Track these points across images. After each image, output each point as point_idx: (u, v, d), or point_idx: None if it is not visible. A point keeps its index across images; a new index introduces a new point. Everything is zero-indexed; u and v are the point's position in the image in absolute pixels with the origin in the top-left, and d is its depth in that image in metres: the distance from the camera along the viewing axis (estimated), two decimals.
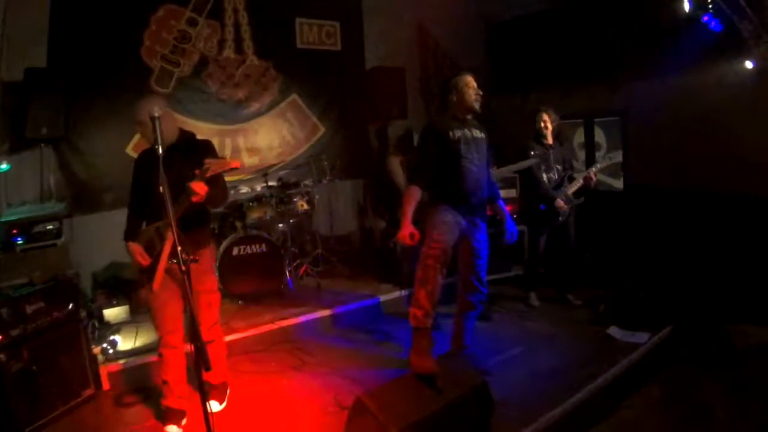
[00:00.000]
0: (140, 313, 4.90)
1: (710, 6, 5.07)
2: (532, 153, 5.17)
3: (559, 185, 5.22)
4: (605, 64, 6.52)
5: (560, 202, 5.10)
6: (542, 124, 5.25)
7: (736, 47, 5.26)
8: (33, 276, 3.91)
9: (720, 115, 5.49)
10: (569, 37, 6.93)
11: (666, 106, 5.83)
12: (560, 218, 5.16)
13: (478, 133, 3.87)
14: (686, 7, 5.09)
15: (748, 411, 3.61)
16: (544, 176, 5.20)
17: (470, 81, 3.85)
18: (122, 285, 5.19)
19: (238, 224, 5.64)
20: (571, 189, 5.20)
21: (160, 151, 2.61)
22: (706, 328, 4.71)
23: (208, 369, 2.31)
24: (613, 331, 4.64)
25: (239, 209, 5.75)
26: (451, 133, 3.75)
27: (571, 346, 4.41)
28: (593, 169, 5.25)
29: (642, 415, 3.71)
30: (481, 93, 3.88)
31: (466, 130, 3.80)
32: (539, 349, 4.39)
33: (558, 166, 5.28)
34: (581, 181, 5.20)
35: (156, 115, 2.63)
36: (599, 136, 6.74)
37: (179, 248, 2.43)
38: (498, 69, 7.93)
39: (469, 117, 3.92)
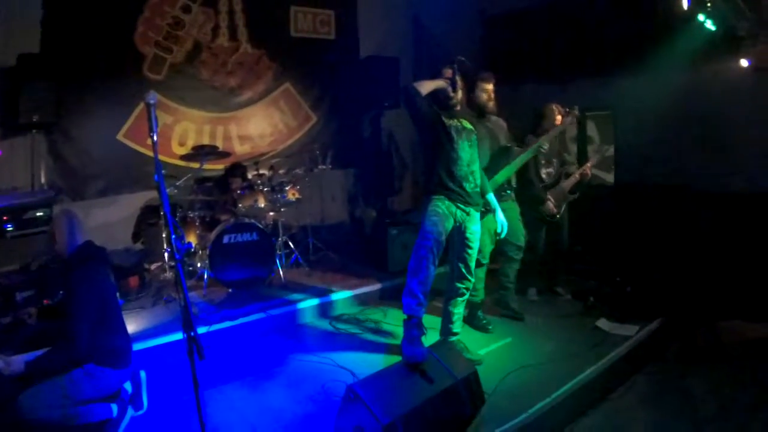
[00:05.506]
0: (129, 300, 4.90)
1: (708, 4, 5.06)
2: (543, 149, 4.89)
3: (556, 182, 5.20)
4: (598, 58, 6.55)
5: (550, 206, 5.07)
6: (552, 119, 5.00)
7: (731, 45, 5.28)
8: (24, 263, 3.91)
9: (713, 113, 5.54)
10: (563, 31, 6.95)
11: (658, 102, 5.82)
12: (556, 216, 5.16)
13: (468, 125, 3.91)
14: (685, 4, 5.07)
15: (732, 407, 3.68)
16: (543, 171, 5.14)
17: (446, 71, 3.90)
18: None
19: (230, 211, 5.62)
20: (568, 185, 5.19)
21: (156, 138, 2.56)
22: (695, 323, 4.77)
23: (202, 358, 2.31)
24: (602, 323, 4.68)
25: (230, 197, 5.73)
26: (445, 120, 3.80)
27: (560, 337, 4.44)
28: (588, 164, 5.27)
29: (627, 407, 3.78)
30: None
31: (456, 120, 3.86)
32: (528, 340, 4.43)
33: (555, 161, 5.25)
34: (578, 176, 5.20)
35: (151, 102, 2.56)
36: (591, 130, 6.76)
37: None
38: (492, 61, 7.92)
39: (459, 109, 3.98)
